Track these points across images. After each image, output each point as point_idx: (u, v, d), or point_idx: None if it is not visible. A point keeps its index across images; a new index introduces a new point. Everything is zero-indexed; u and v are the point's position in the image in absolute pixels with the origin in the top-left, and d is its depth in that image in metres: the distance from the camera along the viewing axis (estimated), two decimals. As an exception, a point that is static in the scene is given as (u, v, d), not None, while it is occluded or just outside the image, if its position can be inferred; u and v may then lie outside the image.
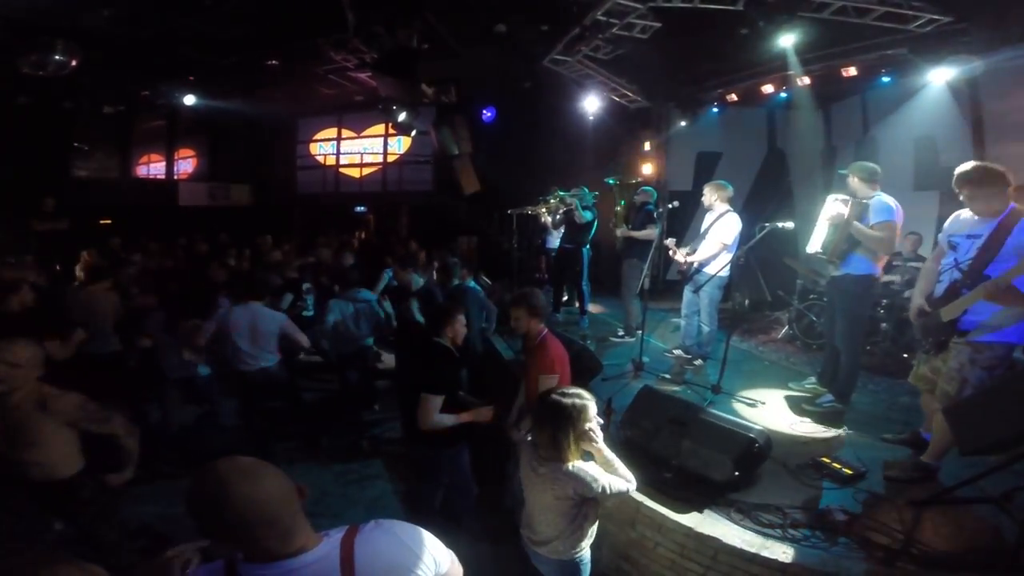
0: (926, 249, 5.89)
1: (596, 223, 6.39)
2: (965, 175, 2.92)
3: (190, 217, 12.79)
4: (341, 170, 14.54)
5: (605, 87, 8.23)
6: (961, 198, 2.95)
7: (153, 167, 16.63)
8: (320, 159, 14.85)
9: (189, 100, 10.84)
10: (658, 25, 5.94)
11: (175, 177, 15.73)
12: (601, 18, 5.87)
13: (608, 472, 2.22)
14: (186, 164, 16.31)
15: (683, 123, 8.41)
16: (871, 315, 5.35)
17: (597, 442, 2.23)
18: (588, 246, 6.47)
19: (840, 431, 3.73)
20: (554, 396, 2.21)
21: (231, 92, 10.97)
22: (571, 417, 2.14)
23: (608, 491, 2.15)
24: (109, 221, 12.00)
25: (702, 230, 5.07)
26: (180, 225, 11.54)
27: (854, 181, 3.79)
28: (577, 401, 2.17)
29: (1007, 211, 2.78)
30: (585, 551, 2.29)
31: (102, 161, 14.30)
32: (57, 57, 6.95)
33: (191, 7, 6.97)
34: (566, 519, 2.20)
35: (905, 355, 5.11)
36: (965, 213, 3.01)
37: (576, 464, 2.15)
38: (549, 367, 3.01)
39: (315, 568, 1.17)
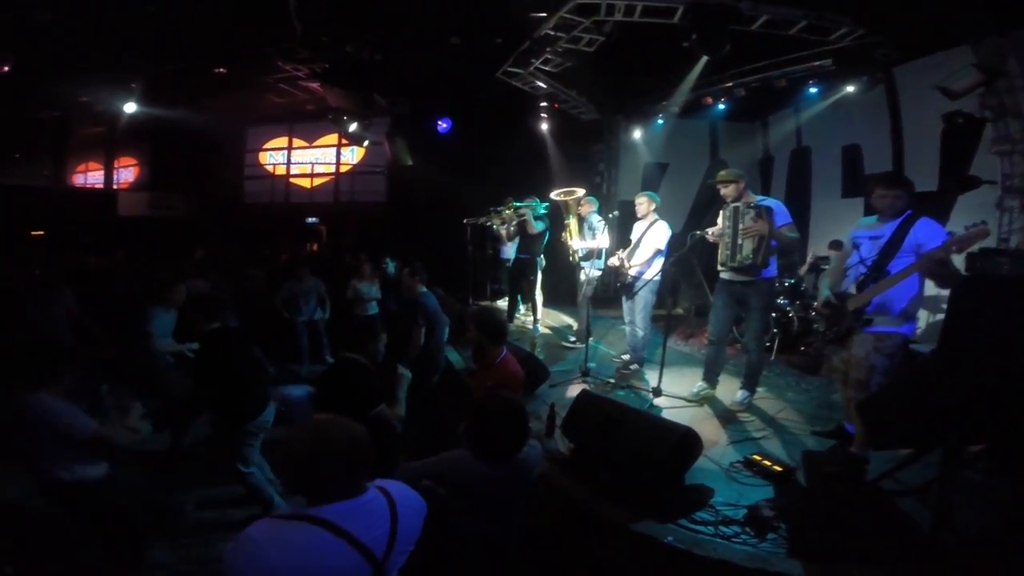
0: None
1: (549, 233, 6.43)
2: (877, 179, 3.33)
3: (130, 228, 12.23)
4: (292, 180, 14.19)
5: (556, 99, 8.36)
6: (872, 199, 3.26)
7: (91, 176, 15.85)
8: (270, 169, 14.43)
9: (130, 107, 10.32)
10: (603, 39, 6.07)
11: (115, 186, 15.02)
12: (550, 32, 5.98)
13: None
14: (127, 173, 15.61)
15: (635, 135, 8.62)
16: (803, 316, 5.59)
17: None
18: (541, 256, 6.51)
19: (770, 430, 3.84)
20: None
21: (176, 99, 10.57)
22: None
23: None
24: (42, 232, 11.32)
25: (634, 239, 5.20)
26: (119, 236, 11.00)
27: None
28: None
29: (906, 214, 3.12)
30: None
31: (33, 168, 13.53)
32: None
33: (137, 11, 6.71)
34: None
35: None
36: (867, 218, 3.38)
37: None
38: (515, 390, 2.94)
39: (376, 503, 1.46)
